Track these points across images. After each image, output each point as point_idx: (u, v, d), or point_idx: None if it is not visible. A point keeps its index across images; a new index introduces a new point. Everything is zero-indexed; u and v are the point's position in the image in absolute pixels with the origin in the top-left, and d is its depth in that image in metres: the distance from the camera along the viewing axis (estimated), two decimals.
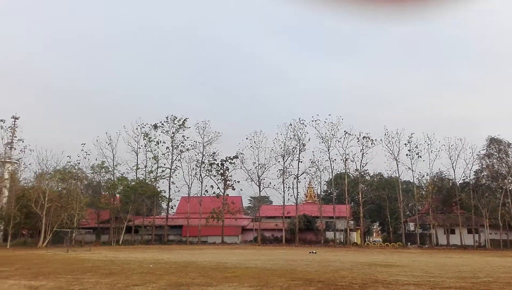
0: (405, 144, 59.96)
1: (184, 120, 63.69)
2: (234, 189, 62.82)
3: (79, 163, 56.47)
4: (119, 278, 15.13)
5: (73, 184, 53.64)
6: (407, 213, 67.97)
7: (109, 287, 12.95)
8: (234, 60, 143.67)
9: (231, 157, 62.74)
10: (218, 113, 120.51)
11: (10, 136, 52.68)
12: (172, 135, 63.33)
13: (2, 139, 51.55)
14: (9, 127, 52.65)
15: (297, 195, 61.39)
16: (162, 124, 63.30)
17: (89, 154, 58.35)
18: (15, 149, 52.88)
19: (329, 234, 59.92)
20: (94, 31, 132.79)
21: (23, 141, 52.71)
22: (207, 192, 62.36)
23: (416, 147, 59.47)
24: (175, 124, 63.57)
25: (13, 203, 46.77)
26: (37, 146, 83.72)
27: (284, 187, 60.54)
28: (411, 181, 63.74)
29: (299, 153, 61.72)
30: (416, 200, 61.05)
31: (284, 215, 58.86)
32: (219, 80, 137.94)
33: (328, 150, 61.32)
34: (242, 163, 62.21)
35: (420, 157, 59.19)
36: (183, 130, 63.61)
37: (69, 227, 46.08)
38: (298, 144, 61.87)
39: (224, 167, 62.67)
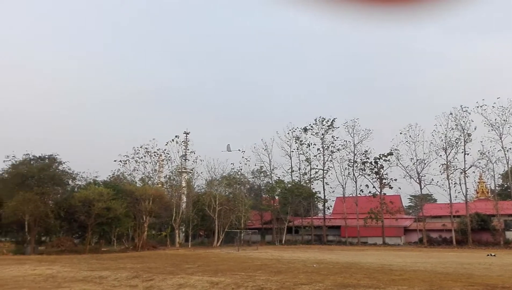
0: None
1: (333, 120, 63.78)
2: (391, 188, 60.03)
3: (241, 169, 61.39)
4: (287, 277, 15.96)
5: (237, 189, 58.63)
6: None
7: (279, 284, 13.78)
8: (377, 51, 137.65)
9: (385, 154, 60.16)
10: (365, 109, 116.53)
11: (184, 149, 60.40)
12: (322, 136, 64.04)
13: (178, 152, 59.49)
14: (183, 141, 60.41)
15: (466, 191, 55.31)
16: (312, 126, 64.54)
17: (248, 161, 62.95)
18: (188, 160, 60.44)
19: (510, 234, 52.33)
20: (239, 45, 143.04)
21: (194, 153, 59.98)
22: (362, 191, 61.03)
23: None
24: (323, 125, 64.14)
25: (190, 208, 53.46)
26: (205, 156, 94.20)
27: (449, 184, 55.24)
28: None
29: (465, 145, 55.55)
30: None
31: (452, 214, 53.57)
32: (364, 76, 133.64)
33: (501, 138, 53.65)
34: (398, 160, 59.02)
35: None
36: (332, 130, 63.75)
37: (238, 228, 50.54)
38: (462, 135, 55.74)
39: (378, 165, 60.41)
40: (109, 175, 56.15)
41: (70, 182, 42.78)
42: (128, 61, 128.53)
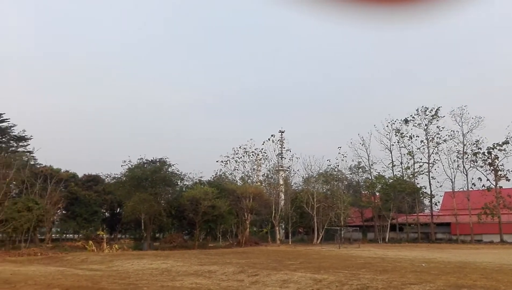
0: None
1: (437, 109, 59.41)
2: (508, 180, 54.10)
3: (338, 166, 60.39)
4: (394, 276, 15.37)
5: (335, 185, 57.80)
6: None
7: (386, 284, 13.35)
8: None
9: (500, 143, 54.41)
10: (474, 95, 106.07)
11: (280, 147, 61.34)
12: (425, 127, 59.98)
13: (274, 151, 60.63)
14: (278, 140, 61.38)
15: None
16: (413, 117, 60.80)
17: (345, 156, 61.62)
18: (284, 158, 61.28)
19: None
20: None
21: (290, 151, 60.60)
22: (475, 185, 55.95)
23: None
24: (426, 115, 60.04)
25: (289, 205, 54.15)
26: (301, 153, 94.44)
27: None
28: None
29: None
30: None
31: None
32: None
33: None
34: None
35: None
36: (437, 120, 59.33)
37: (337, 225, 49.86)
38: None
39: (492, 155, 54.85)
40: (212, 175, 59.48)
41: (178, 182, 46.20)
42: (226, 64, 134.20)
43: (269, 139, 59.70)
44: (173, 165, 43.91)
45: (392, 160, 61.93)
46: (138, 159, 43.72)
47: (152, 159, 43.99)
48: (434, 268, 18.52)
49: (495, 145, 54.65)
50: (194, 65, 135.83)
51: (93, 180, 53.43)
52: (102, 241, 37.99)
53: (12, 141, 45.40)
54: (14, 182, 40.69)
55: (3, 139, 43.22)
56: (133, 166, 43.11)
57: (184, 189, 46.05)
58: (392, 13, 1.47)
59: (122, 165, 43.72)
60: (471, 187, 55.97)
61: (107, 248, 35.93)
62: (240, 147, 58.63)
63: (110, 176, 52.65)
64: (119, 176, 45.18)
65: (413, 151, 60.52)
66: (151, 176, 41.46)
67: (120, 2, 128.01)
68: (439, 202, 63.21)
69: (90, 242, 37.35)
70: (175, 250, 36.75)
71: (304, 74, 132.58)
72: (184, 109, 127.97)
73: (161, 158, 43.86)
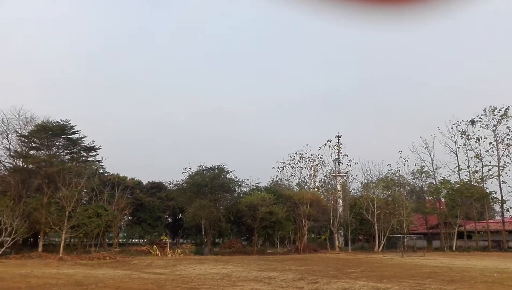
0: None
1: (506, 108, 55.46)
2: None
3: (399, 170, 58.23)
4: (462, 286, 14.59)
5: (396, 191, 55.75)
6: None
7: None
8: None
9: None
10: None
11: (337, 152, 60.35)
12: (494, 128, 56.17)
13: (331, 156, 59.77)
14: (335, 145, 60.45)
15: None
16: (480, 118, 57.17)
17: (407, 160, 59.25)
18: (342, 163, 60.17)
19: None
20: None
21: (347, 156, 59.43)
22: None
23: None
24: (495, 115, 56.23)
25: (347, 211, 53.01)
26: (360, 158, 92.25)
27: None
28: None
29: None
30: None
31: None
32: None
33: None
34: None
35: None
36: (507, 120, 55.38)
37: (399, 233, 47.98)
38: None
39: None
40: (269, 181, 59.77)
41: (236, 189, 46.98)
42: (279, 70, 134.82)
43: (325, 144, 59.02)
44: (230, 171, 44.80)
45: (458, 163, 58.57)
46: (198, 166, 45.12)
47: (211, 166, 45.19)
48: (508, 279, 17.29)
49: None
50: (249, 73, 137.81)
51: (156, 187, 55.82)
52: (166, 246, 39.51)
53: (82, 151, 48.59)
54: (85, 190, 43.56)
55: (75, 150, 46.32)
56: (193, 173, 44.53)
57: (241, 195, 46.72)
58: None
59: (183, 172, 45.38)
60: None
61: (170, 253, 37.32)
62: (296, 153, 58.49)
63: (172, 183, 54.71)
64: (181, 183, 46.88)
65: (481, 154, 56.88)
66: (210, 183, 42.55)
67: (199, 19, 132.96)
68: (511, 208, 58.81)
69: (155, 247, 38.98)
70: (234, 255, 37.33)
71: (356, 75, 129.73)
72: (244, 116, 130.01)
73: (219, 165, 44.91)
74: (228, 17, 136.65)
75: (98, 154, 52.04)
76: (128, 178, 51.28)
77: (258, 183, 51.29)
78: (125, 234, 56.78)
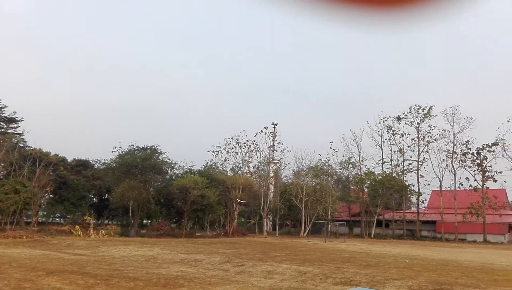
0: None
1: (430, 108, 59.86)
2: (495, 181, 55.06)
3: (328, 160, 60.73)
4: (377, 271, 15.60)
5: (324, 180, 58.17)
6: None
7: (369, 278, 13.55)
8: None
9: (489, 144, 55.12)
10: (468, 96, 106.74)
11: (272, 140, 61.42)
12: (417, 125, 60.50)
13: (266, 143, 60.72)
14: (271, 132, 61.44)
15: None
16: (406, 115, 61.22)
17: (336, 151, 61.93)
18: (276, 151, 61.42)
19: None
20: None
21: (282, 144, 60.75)
22: (462, 185, 56.90)
23: None
24: (419, 113, 60.49)
25: (278, 197, 54.41)
26: (293, 147, 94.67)
27: None
28: None
29: None
30: None
31: None
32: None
33: None
34: (504, 151, 53.82)
35: None
36: (429, 119, 59.86)
37: (325, 219, 50.26)
38: None
39: (481, 156, 55.66)
40: (203, 165, 59.48)
41: (169, 171, 46.06)
42: (226, 56, 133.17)
43: (261, 131, 59.82)
44: (164, 153, 43.81)
45: (382, 157, 62.49)
46: (129, 145, 43.53)
47: (143, 146, 43.83)
48: (417, 265, 18.81)
49: (485, 146, 55.39)
50: (190, 51, 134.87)
51: (82, 165, 53.12)
52: (89, 226, 37.87)
53: (2, 123, 44.84)
54: (2, 164, 40.34)
55: None
56: (123, 152, 42.90)
57: (174, 177, 45.95)
58: (389, 16, 1.49)
59: (112, 151, 43.51)
60: (458, 187, 56.85)
61: (93, 234, 35.82)
62: (232, 138, 58.70)
63: (100, 162, 52.45)
64: (109, 162, 44.93)
65: (403, 149, 61.10)
66: (141, 163, 41.29)
67: None
68: (426, 200, 64.10)
69: (77, 227, 37.19)
70: (162, 238, 36.78)
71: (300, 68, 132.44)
72: (180, 95, 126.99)
73: (152, 146, 43.72)
74: None
75: (19, 126, 48.41)
76: (52, 154, 48.22)
77: (191, 166, 50.85)
78: (45, 213, 53.54)
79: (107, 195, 53.96)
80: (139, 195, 39.77)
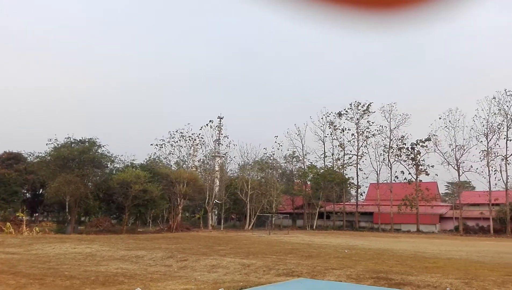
0: None
1: (368, 105, 62.48)
2: (428, 175, 58.65)
3: (273, 154, 61.52)
4: (318, 261, 16.06)
5: (270, 173, 58.91)
6: None
7: (310, 268, 13.91)
8: None
9: (423, 140, 58.64)
10: (405, 93, 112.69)
11: (218, 133, 61.04)
12: (357, 121, 62.96)
13: (212, 137, 60.25)
14: (216, 126, 61.01)
15: (507, 179, 53.29)
16: (347, 111, 63.46)
17: (281, 145, 62.87)
18: (222, 144, 61.16)
19: None
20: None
21: (227, 137, 60.57)
22: (397, 178, 60.00)
23: None
24: (359, 110, 62.96)
25: (223, 191, 54.31)
26: (239, 140, 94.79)
27: (489, 171, 53.43)
28: None
29: (507, 130, 53.39)
30: None
31: (491, 202, 51.90)
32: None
33: None
34: (436, 146, 57.46)
35: None
36: (368, 115, 62.50)
37: (269, 212, 50.98)
38: (505, 120, 53.53)
39: (415, 151, 59.04)
40: (146, 159, 57.80)
41: (109, 164, 44.16)
42: (166, 45, 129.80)
43: (207, 124, 59.22)
44: (103, 146, 42.00)
45: (324, 151, 64.43)
46: (65, 138, 41.22)
47: (81, 139, 41.72)
48: (355, 255, 19.61)
49: (418, 142, 58.79)
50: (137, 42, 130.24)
51: (14, 158, 49.67)
52: (22, 223, 35.63)
53: None
54: None
55: None
56: (59, 145, 40.57)
57: (114, 172, 44.24)
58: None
59: (47, 144, 40.96)
60: (394, 180, 59.88)
61: (26, 231, 33.76)
62: (176, 131, 57.61)
63: (33, 155, 49.36)
64: (44, 155, 42.31)
65: (344, 144, 63.38)
66: (78, 157, 39.27)
67: None
68: (364, 192, 67.06)
69: (8, 224, 34.82)
70: (102, 234, 35.39)
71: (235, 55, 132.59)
72: (122, 89, 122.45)
73: (90, 138, 41.71)
74: None
75: None
76: None
77: (133, 160, 49.18)
78: None
79: (41, 190, 50.90)
80: (76, 190, 37.86)
